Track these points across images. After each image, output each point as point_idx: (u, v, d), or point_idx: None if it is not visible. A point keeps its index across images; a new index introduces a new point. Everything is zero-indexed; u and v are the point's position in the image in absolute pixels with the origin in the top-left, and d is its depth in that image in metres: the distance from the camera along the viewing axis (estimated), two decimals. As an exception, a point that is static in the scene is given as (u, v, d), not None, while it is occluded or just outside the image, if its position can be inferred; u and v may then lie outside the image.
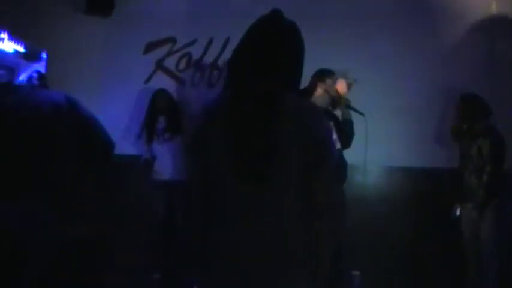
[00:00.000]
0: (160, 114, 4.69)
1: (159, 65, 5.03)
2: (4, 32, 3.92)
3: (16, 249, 2.41)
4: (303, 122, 1.57)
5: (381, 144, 4.32)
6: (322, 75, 3.86)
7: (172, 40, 5.01)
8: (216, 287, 1.62)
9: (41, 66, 4.17)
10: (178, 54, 5.02)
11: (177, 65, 5.03)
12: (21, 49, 4.08)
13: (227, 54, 4.85)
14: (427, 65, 4.76)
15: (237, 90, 1.64)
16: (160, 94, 4.71)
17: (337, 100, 3.90)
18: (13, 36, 3.97)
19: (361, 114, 4.04)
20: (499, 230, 3.87)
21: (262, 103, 1.57)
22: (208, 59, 4.96)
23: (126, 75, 4.84)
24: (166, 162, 4.60)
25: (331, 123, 3.84)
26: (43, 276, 2.43)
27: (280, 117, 1.55)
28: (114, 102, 4.79)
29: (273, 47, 1.63)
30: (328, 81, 3.83)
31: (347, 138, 3.95)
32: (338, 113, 4.03)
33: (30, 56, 4.14)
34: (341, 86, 4.09)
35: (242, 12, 4.72)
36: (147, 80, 4.95)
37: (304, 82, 4.34)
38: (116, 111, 4.64)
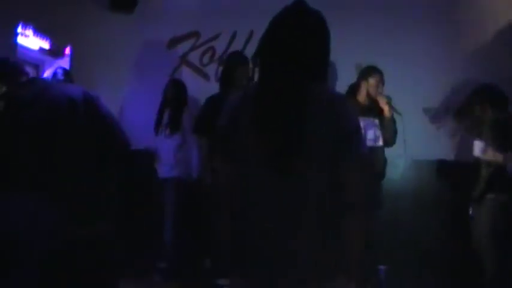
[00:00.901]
0: (167, 106, 4.56)
1: (183, 60, 5.02)
2: (29, 29, 3.95)
3: (10, 246, 2.38)
4: (332, 113, 1.56)
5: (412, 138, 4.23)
6: (366, 74, 3.96)
7: (196, 34, 5.00)
8: (249, 280, 1.62)
9: (65, 62, 4.20)
10: (202, 49, 5.00)
11: (201, 59, 5.01)
12: (46, 46, 4.11)
13: (251, 48, 4.81)
14: (457, 61, 4.63)
15: (265, 83, 1.63)
16: (169, 84, 4.60)
17: (376, 97, 3.93)
18: (38, 33, 4.00)
19: (399, 114, 4.02)
20: (493, 226, 3.59)
21: (291, 95, 1.56)
22: (232, 53, 4.94)
23: (150, 71, 4.84)
24: (164, 159, 4.49)
25: (376, 120, 3.91)
26: (43, 274, 2.40)
27: (309, 109, 1.54)
28: (138, 98, 4.80)
29: (299, 39, 1.60)
30: (371, 80, 3.93)
31: (389, 136, 3.96)
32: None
33: (55, 52, 4.17)
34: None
35: (266, 5, 4.70)
36: (172, 75, 4.92)
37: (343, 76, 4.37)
38: (140, 106, 4.64)
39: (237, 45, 4.88)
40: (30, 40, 3.93)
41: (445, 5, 4.68)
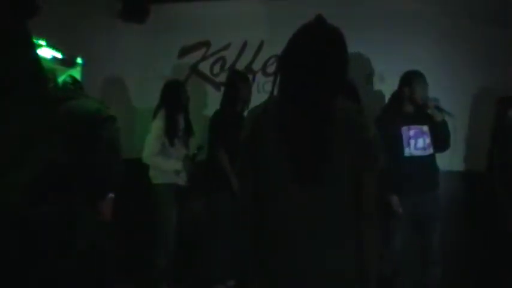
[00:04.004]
0: (181, 110, 4.36)
1: (194, 70, 5.05)
2: (42, 39, 3.99)
3: None
4: (352, 125, 1.64)
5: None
6: (409, 79, 3.80)
7: (207, 44, 5.03)
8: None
9: (76, 72, 4.23)
10: (213, 59, 5.03)
11: (211, 69, 5.03)
12: (58, 55, 4.14)
13: (261, 58, 4.84)
14: (468, 68, 4.58)
15: (288, 97, 1.69)
16: (182, 88, 4.43)
17: (422, 103, 3.75)
18: (51, 43, 4.04)
19: (450, 115, 3.83)
20: None
21: (315, 110, 1.64)
22: (242, 63, 4.96)
23: (161, 80, 4.86)
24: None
25: (425, 127, 3.75)
26: None
27: (332, 123, 1.62)
28: (149, 107, 4.82)
29: (322, 55, 1.65)
30: (415, 85, 3.75)
31: (443, 140, 3.80)
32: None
33: (67, 62, 4.20)
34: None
35: (276, 16, 4.73)
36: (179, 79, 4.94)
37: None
38: (150, 116, 4.66)
39: (247, 55, 4.91)
40: (43, 50, 3.97)
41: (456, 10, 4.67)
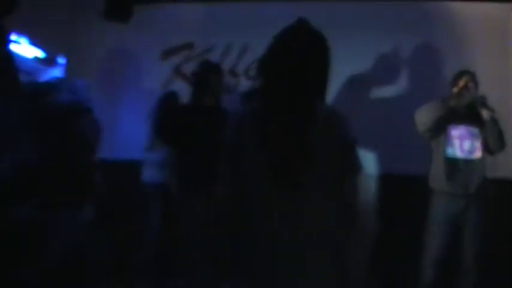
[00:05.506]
0: None
1: (177, 71, 5.03)
2: (24, 37, 3.94)
3: None
4: (332, 129, 1.62)
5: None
6: (456, 78, 3.69)
7: (190, 46, 5.01)
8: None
9: (58, 72, 4.19)
10: (196, 61, 5.01)
11: (195, 71, 5.01)
12: (39, 54, 4.10)
13: (245, 60, 4.83)
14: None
15: (269, 100, 1.66)
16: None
17: (470, 100, 3.54)
18: (32, 42, 3.99)
19: (493, 111, 3.56)
20: None
21: (297, 113, 1.61)
22: (226, 66, 4.95)
23: (144, 81, 4.83)
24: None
25: (474, 129, 3.56)
26: None
27: (313, 126, 1.59)
28: (131, 108, 4.79)
29: (304, 57, 1.64)
30: (461, 83, 3.62)
31: (496, 139, 3.56)
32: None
33: (48, 61, 4.16)
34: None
35: (261, 18, 4.74)
36: (165, 86, 4.92)
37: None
38: (133, 116, 4.64)
39: (231, 58, 4.90)
40: (23, 48, 3.93)
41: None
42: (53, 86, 3.18)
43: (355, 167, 1.64)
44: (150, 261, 4.22)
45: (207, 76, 3.83)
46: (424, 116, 3.54)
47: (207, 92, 3.79)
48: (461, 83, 3.61)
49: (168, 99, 4.38)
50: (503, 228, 4.08)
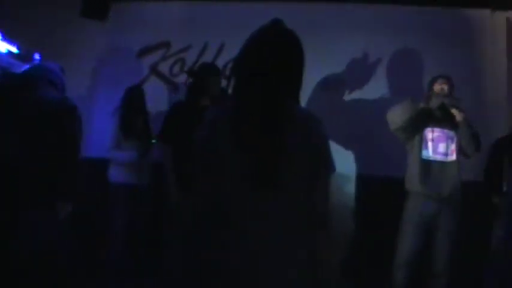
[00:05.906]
0: (139, 113, 4.42)
1: (153, 70, 5.03)
2: (-1, 32, 3.91)
3: None
4: (306, 131, 1.60)
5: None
6: (431, 82, 3.75)
7: (167, 45, 5.01)
8: None
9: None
10: (172, 59, 5.02)
11: (171, 70, 5.02)
12: (14, 49, 4.06)
13: (221, 60, 4.86)
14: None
15: (241, 100, 1.65)
16: (139, 91, 4.47)
17: (440, 102, 3.54)
18: (6, 37, 3.96)
19: (464, 112, 3.56)
20: None
21: (269, 113, 1.59)
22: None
23: (119, 79, 4.81)
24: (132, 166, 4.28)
25: (450, 132, 3.58)
26: None
27: (287, 126, 1.58)
28: (107, 106, 4.77)
29: (276, 57, 1.64)
30: (436, 87, 3.68)
31: (469, 142, 3.58)
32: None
33: (23, 56, 4.12)
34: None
35: (237, 18, 4.77)
36: (141, 84, 4.90)
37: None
38: (108, 114, 4.62)
39: (207, 57, 4.92)
40: (-3, 43, 3.90)
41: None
42: (33, 78, 3.15)
43: (328, 167, 1.64)
44: (116, 261, 4.22)
45: (206, 77, 3.90)
46: (395, 116, 3.59)
47: (204, 92, 3.86)
48: (435, 87, 3.68)
49: (132, 93, 4.41)
50: (471, 230, 4.01)
